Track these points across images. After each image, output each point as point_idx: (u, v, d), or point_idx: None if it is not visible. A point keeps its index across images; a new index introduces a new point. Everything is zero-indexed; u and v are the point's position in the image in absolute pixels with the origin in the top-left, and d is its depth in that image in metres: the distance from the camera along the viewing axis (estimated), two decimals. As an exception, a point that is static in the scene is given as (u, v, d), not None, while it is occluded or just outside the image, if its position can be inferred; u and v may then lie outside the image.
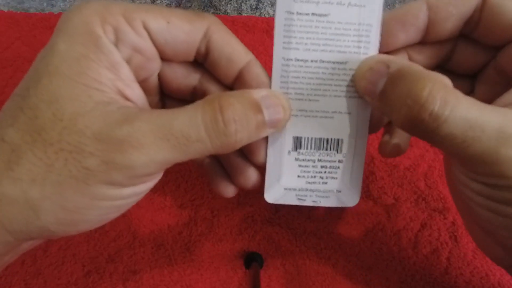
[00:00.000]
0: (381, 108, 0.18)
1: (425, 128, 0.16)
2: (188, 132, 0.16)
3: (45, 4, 0.42)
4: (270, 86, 0.20)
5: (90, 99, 0.16)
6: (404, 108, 0.16)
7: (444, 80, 0.16)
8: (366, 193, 0.32)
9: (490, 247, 0.20)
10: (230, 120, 0.17)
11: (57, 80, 0.16)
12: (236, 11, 0.44)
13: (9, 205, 0.15)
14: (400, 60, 0.18)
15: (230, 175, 0.22)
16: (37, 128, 0.15)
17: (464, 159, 0.17)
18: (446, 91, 0.15)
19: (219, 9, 0.44)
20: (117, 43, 0.17)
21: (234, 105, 0.17)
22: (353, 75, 0.20)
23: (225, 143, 0.17)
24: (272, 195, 0.22)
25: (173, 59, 0.20)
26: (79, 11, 0.17)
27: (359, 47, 0.19)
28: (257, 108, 0.18)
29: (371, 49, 0.19)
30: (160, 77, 0.20)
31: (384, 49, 0.20)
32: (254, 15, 0.42)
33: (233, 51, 0.19)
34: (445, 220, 0.30)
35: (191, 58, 0.20)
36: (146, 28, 0.18)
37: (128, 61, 0.18)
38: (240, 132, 0.17)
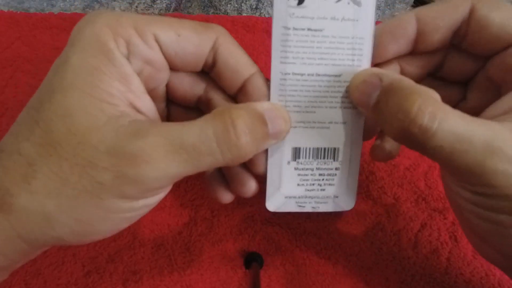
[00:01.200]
0: (374, 119, 0.19)
1: (415, 140, 0.16)
2: (200, 146, 0.16)
3: (45, 4, 0.42)
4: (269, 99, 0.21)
5: (102, 113, 0.16)
6: (396, 122, 0.17)
7: (433, 95, 0.17)
8: (366, 193, 0.32)
9: (486, 252, 0.20)
10: (242, 132, 0.17)
11: (71, 94, 0.16)
12: (236, 11, 0.44)
13: (26, 217, 0.16)
14: (392, 74, 0.19)
15: (229, 184, 0.23)
16: (53, 142, 0.16)
17: (452, 170, 0.17)
18: (434, 105, 0.16)
19: (219, 9, 0.44)
20: (128, 56, 0.17)
21: (244, 117, 0.17)
22: (347, 87, 0.20)
23: (236, 155, 0.17)
24: (273, 203, 0.23)
25: (181, 69, 0.20)
26: (92, 23, 0.17)
27: (352, 60, 0.20)
28: (263, 120, 0.18)
29: (364, 61, 0.20)
30: (167, 85, 0.21)
31: (377, 61, 0.21)
32: (254, 15, 0.42)
33: (238, 63, 0.20)
34: (445, 220, 0.30)
35: (199, 69, 0.20)
36: (157, 41, 0.18)
37: (139, 73, 0.18)
38: (250, 144, 0.17)
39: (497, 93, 0.20)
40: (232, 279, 0.28)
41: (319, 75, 0.20)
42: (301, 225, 0.30)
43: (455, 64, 0.22)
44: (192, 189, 0.32)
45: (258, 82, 0.20)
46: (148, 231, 0.30)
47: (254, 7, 0.44)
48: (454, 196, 0.19)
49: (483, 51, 0.20)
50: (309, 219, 0.31)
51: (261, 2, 0.44)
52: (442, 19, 0.20)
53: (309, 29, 0.20)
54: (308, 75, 0.20)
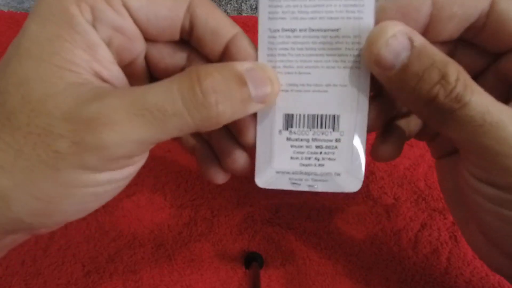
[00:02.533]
0: (396, 83, 0.17)
1: (447, 108, 0.16)
2: (163, 105, 0.15)
3: (45, 4, 0.41)
4: (257, 60, 0.19)
5: (61, 80, 0.15)
6: (435, 87, 0.16)
7: (463, 69, 0.16)
8: (366, 193, 0.32)
9: (492, 256, 0.19)
10: (209, 90, 0.15)
11: (27, 61, 0.15)
12: (236, 11, 0.44)
13: None
14: (421, 36, 0.17)
15: (219, 159, 0.22)
16: (6, 113, 0.15)
17: (478, 151, 0.16)
18: (468, 77, 0.16)
19: (219, 9, 0.44)
20: (94, 22, 0.16)
21: (213, 75, 0.16)
22: (368, 42, 0.17)
23: (205, 115, 0.16)
24: (263, 179, 0.20)
25: (157, 38, 0.19)
26: None
27: (353, 11, 0.18)
28: (241, 80, 0.16)
29: (365, 12, 0.18)
30: (147, 59, 0.20)
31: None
32: (254, 15, 0.42)
33: (218, 24, 0.18)
34: (445, 220, 0.30)
35: (177, 37, 0.19)
36: (125, 6, 0.17)
37: (109, 42, 0.17)
38: (222, 104, 0.16)
39: (505, 93, 0.20)
40: (232, 279, 0.28)
41: (313, 30, 0.18)
42: (301, 225, 0.30)
43: (463, 60, 0.20)
44: (192, 189, 0.32)
45: (242, 42, 0.18)
46: (148, 231, 0.30)
47: (254, 7, 0.44)
48: (471, 194, 0.18)
49: (499, 47, 0.19)
50: (309, 219, 0.30)
51: None
52: (461, 6, 0.18)
53: None
54: (300, 30, 0.18)
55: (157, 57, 0.20)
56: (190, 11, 0.18)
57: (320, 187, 0.20)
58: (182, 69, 0.20)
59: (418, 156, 0.34)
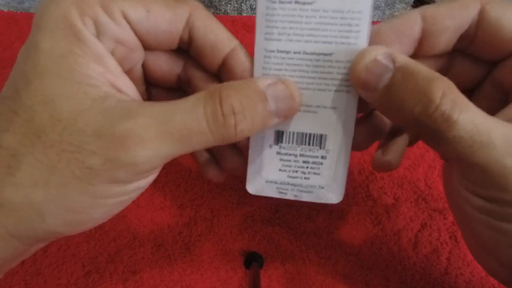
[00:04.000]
0: (382, 104, 0.17)
1: (435, 127, 0.15)
2: (191, 125, 0.16)
3: (45, 4, 0.41)
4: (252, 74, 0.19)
5: (86, 96, 0.15)
6: (415, 107, 0.15)
7: (452, 83, 0.16)
8: (366, 193, 0.32)
9: (488, 263, 0.19)
10: (229, 113, 0.16)
11: (48, 80, 0.15)
12: (236, 11, 0.44)
13: (13, 211, 0.15)
14: (404, 56, 0.17)
15: (217, 159, 0.22)
16: (36, 131, 0.15)
17: (468, 167, 0.16)
18: (456, 93, 0.15)
19: (219, 9, 0.44)
20: (98, 35, 0.17)
21: (232, 97, 0.16)
22: (346, 67, 0.18)
23: (226, 135, 0.17)
24: (254, 186, 0.22)
25: (156, 48, 0.19)
26: (56, 3, 0.16)
27: (347, 37, 0.18)
28: (261, 97, 0.17)
29: (361, 38, 0.18)
30: (144, 66, 0.20)
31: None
32: (254, 15, 0.42)
33: (216, 38, 0.19)
34: (445, 220, 0.30)
35: (175, 46, 0.19)
36: (126, 18, 0.17)
37: (112, 53, 0.17)
38: (241, 123, 0.17)
39: (504, 101, 0.19)
40: (232, 279, 0.28)
41: (306, 53, 0.19)
42: (301, 225, 0.30)
43: (461, 71, 0.21)
44: (192, 189, 0.32)
45: (240, 56, 0.19)
46: (148, 231, 0.30)
47: (254, 7, 0.43)
48: (462, 204, 0.18)
49: (493, 56, 0.19)
50: (309, 219, 0.31)
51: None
52: (451, 19, 0.18)
53: (296, 2, 0.18)
54: (295, 53, 0.19)
55: (154, 65, 0.20)
56: (189, 24, 0.18)
57: (304, 197, 0.22)
58: (178, 76, 0.21)
59: (418, 156, 0.34)
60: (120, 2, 0.17)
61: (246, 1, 0.44)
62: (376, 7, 0.50)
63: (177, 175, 0.32)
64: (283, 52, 0.19)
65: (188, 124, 0.16)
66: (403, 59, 0.17)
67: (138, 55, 0.19)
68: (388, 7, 0.49)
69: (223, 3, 0.44)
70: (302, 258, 0.29)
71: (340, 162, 0.21)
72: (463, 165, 0.17)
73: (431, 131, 0.16)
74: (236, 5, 0.44)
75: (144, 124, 0.15)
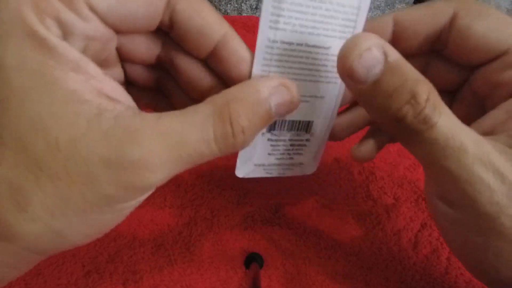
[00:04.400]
0: (367, 98, 0.17)
1: (414, 128, 0.16)
2: (201, 150, 0.16)
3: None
4: (251, 62, 0.19)
5: (78, 117, 0.14)
6: (405, 106, 0.15)
7: (433, 87, 0.16)
8: (366, 193, 0.32)
9: (469, 267, 0.20)
10: (239, 133, 0.16)
11: (29, 102, 0.13)
12: (236, 11, 0.44)
13: (35, 238, 0.15)
14: (395, 52, 0.16)
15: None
16: (35, 163, 0.14)
17: (438, 172, 0.17)
18: (437, 97, 0.16)
19: (219, 9, 0.44)
20: (65, 37, 0.14)
21: (241, 116, 0.16)
22: (341, 54, 0.17)
23: (231, 150, 0.17)
24: (243, 171, 0.23)
25: (132, 32, 0.17)
26: (5, 3, 0.13)
27: (344, 31, 0.18)
28: (266, 108, 0.17)
29: (355, 33, 0.19)
30: (118, 49, 0.18)
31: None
32: (254, 15, 0.42)
33: (204, 23, 0.17)
34: (445, 220, 0.30)
35: (153, 29, 0.18)
36: (93, 10, 0.15)
37: (84, 53, 0.15)
38: (248, 139, 0.17)
39: (480, 109, 0.20)
40: (232, 279, 0.28)
41: (308, 45, 0.19)
42: (301, 225, 0.30)
43: (439, 72, 0.21)
44: (192, 189, 0.32)
45: (233, 43, 0.17)
46: (148, 231, 0.30)
47: (254, 7, 0.44)
48: (432, 209, 0.19)
49: (466, 61, 0.19)
50: (309, 219, 0.31)
51: (261, 2, 0.44)
52: (421, 25, 0.18)
53: None
54: (297, 44, 0.18)
55: (130, 47, 0.18)
56: (170, 5, 0.16)
57: (287, 174, 0.24)
58: (158, 56, 0.19)
59: (418, 156, 0.34)
60: None
61: (246, 1, 0.44)
62: (376, 7, 0.50)
63: (177, 175, 0.32)
64: (286, 43, 0.18)
65: (199, 149, 0.16)
66: (395, 54, 0.16)
67: (112, 44, 0.17)
68: (388, 7, 0.49)
69: (223, 3, 0.44)
70: (302, 258, 0.29)
71: (321, 143, 0.23)
72: (434, 169, 0.17)
73: (409, 131, 0.16)
74: (236, 5, 0.44)
75: (155, 149, 0.15)
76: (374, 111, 0.17)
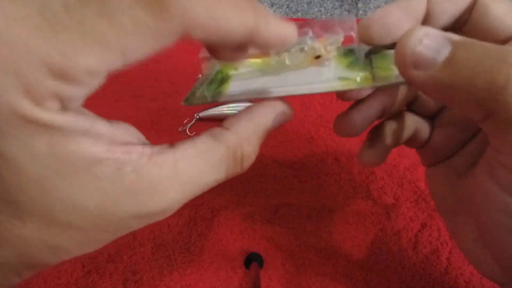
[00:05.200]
0: (444, 77, 0.15)
1: (508, 103, 0.13)
2: (213, 184, 0.17)
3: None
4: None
5: (101, 181, 0.13)
6: (504, 67, 0.13)
7: None
8: (366, 193, 0.32)
9: (486, 264, 0.19)
10: (248, 163, 0.18)
11: (51, 185, 0.13)
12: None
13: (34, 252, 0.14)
14: (456, 35, 0.15)
15: None
16: (65, 225, 0.14)
17: None
18: None
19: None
20: (65, 104, 0.12)
21: (251, 155, 0.18)
22: (399, 46, 0.16)
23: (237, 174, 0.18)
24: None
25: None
26: None
27: None
28: (268, 132, 0.18)
29: None
30: None
31: (384, 41, 0.18)
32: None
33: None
34: (445, 220, 0.30)
35: None
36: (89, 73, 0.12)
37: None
38: (252, 161, 0.18)
39: None
40: (232, 279, 0.28)
41: None
42: (301, 225, 0.30)
43: None
44: (192, 189, 0.32)
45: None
46: (148, 231, 0.30)
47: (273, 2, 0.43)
48: (489, 207, 0.17)
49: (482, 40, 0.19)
50: (309, 219, 0.31)
51: (261, 2, 0.44)
52: (451, 2, 0.18)
53: None
54: None
55: None
56: None
57: None
58: None
59: (418, 156, 0.34)
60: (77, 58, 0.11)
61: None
62: (376, 7, 0.50)
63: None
64: None
65: (211, 185, 0.17)
66: (456, 35, 0.15)
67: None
68: None
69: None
70: (302, 258, 0.29)
71: None
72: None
73: (501, 105, 0.14)
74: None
75: (176, 198, 0.15)
76: (456, 95, 0.15)
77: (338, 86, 0.19)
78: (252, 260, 0.28)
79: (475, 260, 0.20)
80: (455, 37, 0.15)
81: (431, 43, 0.15)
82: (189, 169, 0.16)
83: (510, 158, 0.15)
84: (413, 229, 0.30)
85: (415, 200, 0.31)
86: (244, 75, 0.21)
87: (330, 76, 0.19)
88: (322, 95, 0.38)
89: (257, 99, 0.19)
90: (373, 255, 0.29)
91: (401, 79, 0.17)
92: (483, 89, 0.14)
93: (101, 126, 0.14)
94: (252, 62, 0.21)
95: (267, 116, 0.18)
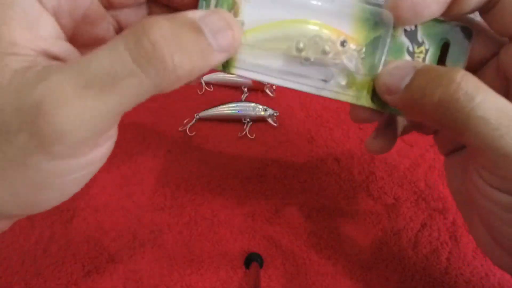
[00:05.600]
0: (405, 101, 0.18)
1: (459, 108, 0.15)
2: (113, 68, 0.13)
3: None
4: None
5: (7, 68, 0.13)
6: (439, 89, 0.15)
7: (470, 74, 0.16)
8: (366, 193, 0.32)
9: (497, 255, 0.19)
10: (158, 39, 0.13)
11: None
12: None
13: None
14: (423, 63, 0.18)
15: None
16: None
17: (495, 155, 0.16)
18: (476, 79, 0.15)
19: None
20: None
21: (160, 23, 0.14)
22: (376, 79, 0.19)
23: (161, 70, 0.14)
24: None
25: (122, 5, 0.17)
26: None
27: None
28: (194, 27, 0.15)
29: None
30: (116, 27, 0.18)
31: (414, 21, 0.19)
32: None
33: None
34: (445, 220, 0.30)
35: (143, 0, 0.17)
36: None
37: (57, 9, 0.15)
38: (177, 55, 0.14)
39: (505, 92, 0.19)
40: (232, 279, 0.28)
41: None
42: (301, 225, 0.30)
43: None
44: (192, 189, 0.32)
45: None
46: (148, 231, 0.30)
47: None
48: (483, 201, 0.18)
49: (502, 29, 0.19)
50: (309, 219, 0.31)
51: None
52: None
53: None
54: None
55: (125, 22, 0.18)
56: None
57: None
58: None
59: (418, 156, 0.34)
60: None
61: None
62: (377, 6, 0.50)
63: (177, 175, 0.32)
64: None
65: (109, 67, 0.13)
66: (422, 64, 0.17)
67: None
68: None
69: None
70: (302, 258, 0.29)
71: None
72: (489, 154, 0.16)
73: (455, 116, 0.15)
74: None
75: (57, 82, 0.13)
76: (414, 109, 0.17)
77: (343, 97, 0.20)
78: (252, 260, 0.28)
79: (487, 250, 0.20)
80: (419, 65, 0.17)
81: (399, 73, 0.18)
82: (83, 56, 0.14)
83: (482, 161, 0.17)
84: (413, 229, 0.30)
85: (415, 200, 0.31)
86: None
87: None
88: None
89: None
90: (373, 255, 0.29)
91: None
92: (428, 106, 0.16)
93: (49, 35, 0.15)
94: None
95: (194, 13, 0.15)
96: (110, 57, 0.13)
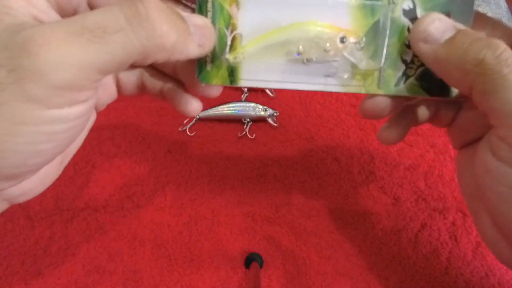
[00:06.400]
0: (443, 53, 0.18)
1: (498, 70, 0.16)
2: (105, 22, 0.14)
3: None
4: None
5: (0, 22, 0.14)
6: (485, 50, 0.16)
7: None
8: (366, 193, 0.32)
9: (502, 249, 0.19)
10: (153, 6, 0.15)
11: None
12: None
13: None
14: (462, 25, 0.18)
15: (189, 88, 0.22)
16: None
17: None
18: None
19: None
20: None
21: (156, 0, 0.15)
22: (414, 24, 0.19)
23: (150, 32, 0.15)
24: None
25: None
26: None
27: None
28: (180, 15, 0.16)
29: None
30: (90, 5, 0.18)
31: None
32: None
33: None
34: (445, 220, 0.30)
35: None
36: None
37: None
38: (166, 24, 0.15)
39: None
40: (232, 279, 0.28)
41: None
42: (301, 225, 0.30)
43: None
44: (192, 189, 0.32)
45: None
46: (148, 231, 0.30)
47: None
48: (489, 179, 0.18)
49: None
50: (310, 219, 0.31)
51: None
52: None
53: None
54: None
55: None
56: None
57: None
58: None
59: (418, 156, 0.34)
60: None
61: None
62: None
63: (177, 175, 0.32)
64: None
65: (102, 21, 0.14)
66: (463, 26, 0.18)
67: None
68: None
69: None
70: (302, 258, 0.29)
71: None
72: (510, 120, 0.17)
73: (492, 77, 0.16)
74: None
75: (49, 27, 0.14)
76: (451, 65, 0.18)
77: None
78: (252, 260, 0.28)
79: (492, 245, 0.20)
80: (461, 26, 0.18)
81: (440, 26, 0.18)
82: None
83: (504, 131, 0.17)
84: (413, 229, 0.30)
85: (415, 200, 0.31)
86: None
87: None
88: (322, 94, 0.38)
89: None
90: (373, 255, 0.29)
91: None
92: (468, 63, 0.17)
93: (42, 6, 0.16)
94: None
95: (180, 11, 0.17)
96: (105, 14, 0.14)
